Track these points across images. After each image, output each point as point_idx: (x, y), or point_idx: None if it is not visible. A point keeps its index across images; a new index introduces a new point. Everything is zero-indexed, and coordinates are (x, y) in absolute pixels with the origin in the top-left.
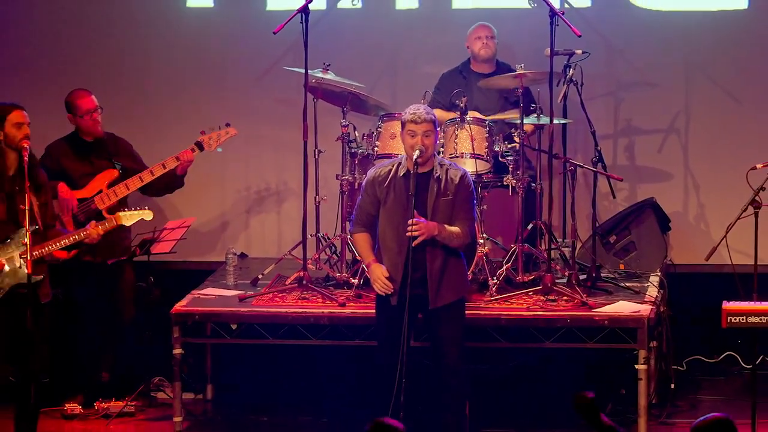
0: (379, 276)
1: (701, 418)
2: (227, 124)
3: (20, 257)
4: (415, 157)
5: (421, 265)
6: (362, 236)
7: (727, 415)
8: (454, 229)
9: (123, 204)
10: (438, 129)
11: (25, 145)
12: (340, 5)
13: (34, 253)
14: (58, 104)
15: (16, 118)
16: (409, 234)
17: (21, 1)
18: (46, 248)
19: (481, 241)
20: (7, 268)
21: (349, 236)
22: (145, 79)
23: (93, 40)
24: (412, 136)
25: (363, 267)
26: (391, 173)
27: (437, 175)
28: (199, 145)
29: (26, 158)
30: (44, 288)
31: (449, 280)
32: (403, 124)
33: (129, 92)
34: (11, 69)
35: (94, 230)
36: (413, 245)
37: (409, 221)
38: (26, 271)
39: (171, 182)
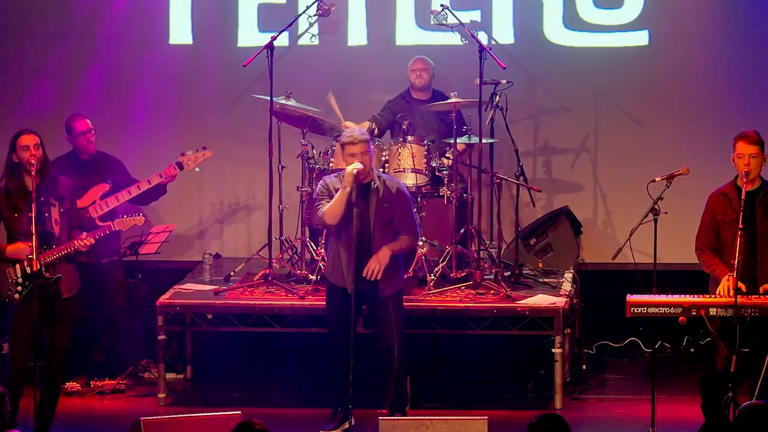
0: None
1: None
2: (204, 148)
3: (39, 260)
4: (355, 172)
5: (367, 263)
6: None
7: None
8: (400, 241)
9: (113, 212)
10: (372, 146)
11: (33, 162)
12: (300, 42)
13: (48, 258)
14: (57, 128)
15: (22, 142)
16: (372, 278)
17: (20, 41)
18: (50, 257)
19: (421, 243)
20: (28, 269)
21: (320, 214)
22: (132, 105)
23: (87, 71)
24: (353, 155)
25: (320, 266)
26: (339, 187)
27: (375, 186)
28: (180, 165)
29: (33, 173)
30: (64, 284)
31: (391, 275)
32: (342, 147)
33: (118, 117)
34: (15, 95)
35: (84, 241)
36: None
37: (364, 272)
38: (41, 271)
39: (155, 193)
